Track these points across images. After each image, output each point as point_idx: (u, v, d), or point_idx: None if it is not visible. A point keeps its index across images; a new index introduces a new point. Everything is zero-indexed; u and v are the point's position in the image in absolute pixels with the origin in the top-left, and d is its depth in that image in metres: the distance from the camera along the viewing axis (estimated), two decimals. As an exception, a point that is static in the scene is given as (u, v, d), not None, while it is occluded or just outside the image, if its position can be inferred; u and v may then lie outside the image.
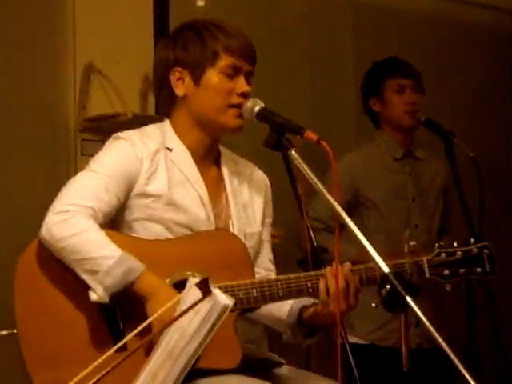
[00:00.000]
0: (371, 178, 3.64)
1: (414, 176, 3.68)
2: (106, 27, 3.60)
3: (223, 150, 2.46)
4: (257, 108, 2.30)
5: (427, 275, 2.28)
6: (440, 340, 1.82)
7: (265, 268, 2.45)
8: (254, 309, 2.30)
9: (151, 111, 3.63)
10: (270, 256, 2.48)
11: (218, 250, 2.26)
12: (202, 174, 2.35)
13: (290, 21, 4.38)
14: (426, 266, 2.29)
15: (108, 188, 2.22)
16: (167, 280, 2.19)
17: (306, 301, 2.31)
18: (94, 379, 1.53)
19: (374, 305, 2.09)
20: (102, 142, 2.36)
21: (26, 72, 3.47)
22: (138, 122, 2.58)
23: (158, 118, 2.45)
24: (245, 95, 2.32)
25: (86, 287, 2.16)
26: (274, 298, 2.22)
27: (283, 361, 2.38)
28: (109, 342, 2.15)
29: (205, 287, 1.61)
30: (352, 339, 3.51)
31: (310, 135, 2.18)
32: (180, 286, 2.13)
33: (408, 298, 1.88)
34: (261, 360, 2.36)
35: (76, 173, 2.32)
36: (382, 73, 3.68)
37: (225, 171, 2.41)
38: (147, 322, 1.67)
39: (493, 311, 3.12)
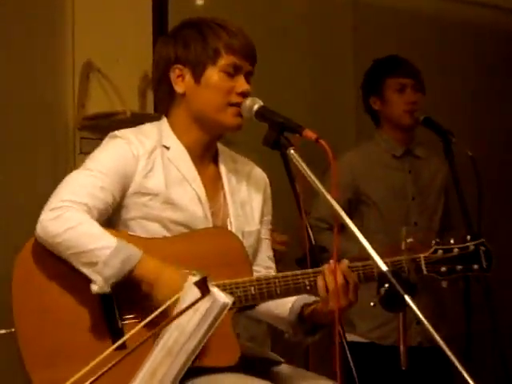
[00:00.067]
0: (371, 176, 3.64)
1: (414, 174, 3.68)
2: (104, 25, 3.60)
3: (221, 148, 2.46)
4: (256, 106, 2.30)
5: (424, 272, 2.29)
6: (438, 338, 1.82)
7: (264, 266, 2.45)
8: (252, 307, 2.30)
9: (150, 109, 3.63)
10: (270, 254, 2.48)
11: (215, 247, 2.26)
12: (200, 173, 2.35)
13: (289, 20, 4.38)
14: (423, 263, 2.29)
15: (103, 186, 2.23)
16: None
17: (308, 298, 2.32)
18: (93, 378, 1.53)
19: (372, 304, 2.09)
20: (101, 140, 2.36)
21: (25, 71, 3.47)
22: (137, 120, 2.58)
23: (156, 117, 2.45)
24: (244, 94, 2.32)
25: (84, 284, 2.16)
26: (272, 295, 2.22)
27: (282, 359, 2.38)
28: (108, 340, 2.15)
29: (204, 286, 1.61)
30: (352, 338, 3.54)
31: (309, 134, 2.18)
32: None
33: (406, 297, 1.88)
34: (259, 358, 2.36)
35: (75, 171, 2.33)
36: (382, 71, 3.69)
37: (223, 169, 2.41)
38: (145, 322, 1.67)
39: (490, 308, 3.12)
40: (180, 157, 2.34)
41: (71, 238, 2.14)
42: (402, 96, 3.61)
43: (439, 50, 4.73)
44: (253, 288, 2.20)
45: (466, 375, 1.77)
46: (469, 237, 2.34)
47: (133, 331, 1.62)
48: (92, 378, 1.51)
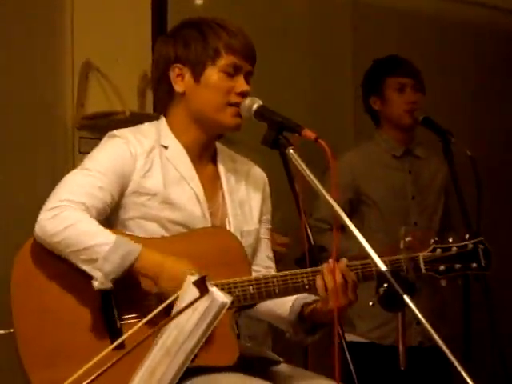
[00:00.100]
0: (371, 176, 3.64)
1: (414, 174, 3.68)
2: (104, 25, 3.61)
3: (220, 147, 2.46)
4: (255, 106, 2.30)
5: (423, 271, 2.29)
6: (437, 338, 1.82)
7: (264, 266, 2.45)
8: (251, 306, 2.30)
9: (149, 109, 3.63)
10: (269, 253, 2.48)
11: (213, 247, 2.26)
12: (198, 172, 2.35)
13: (288, 20, 4.38)
14: (421, 261, 2.29)
15: (102, 185, 2.23)
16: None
17: (308, 298, 2.32)
18: (91, 378, 1.53)
19: (371, 303, 2.09)
20: (100, 139, 2.37)
21: (24, 70, 3.47)
22: (136, 119, 2.58)
23: (155, 116, 2.45)
24: (244, 95, 2.32)
25: (83, 284, 2.16)
26: (271, 294, 2.22)
27: (281, 359, 2.38)
28: (107, 340, 2.15)
29: (202, 285, 1.61)
30: (353, 338, 3.54)
31: (308, 133, 2.18)
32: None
33: (405, 297, 1.88)
34: (258, 358, 2.36)
35: (74, 170, 2.33)
36: (382, 71, 3.69)
37: (221, 169, 2.41)
38: (143, 321, 1.67)
39: (489, 307, 3.12)
40: (178, 156, 2.34)
41: (70, 236, 2.15)
42: (401, 96, 3.61)
43: (439, 49, 4.73)
44: (251, 287, 2.20)
45: (464, 374, 1.77)
46: (467, 235, 2.34)
47: (131, 331, 1.62)
48: (89, 379, 1.51)
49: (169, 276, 2.12)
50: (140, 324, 1.64)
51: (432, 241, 2.31)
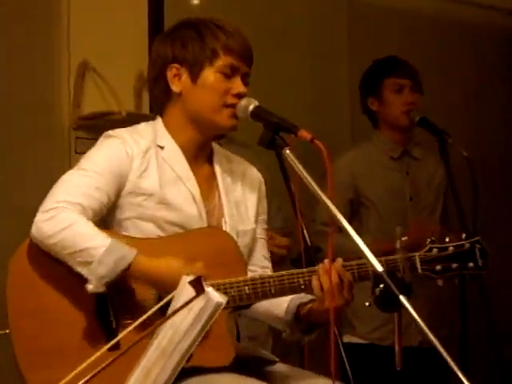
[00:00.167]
0: (370, 176, 3.65)
1: (412, 175, 3.69)
2: (100, 25, 3.61)
3: (216, 147, 2.46)
4: (251, 107, 2.30)
5: (419, 271, 2.28)
6: (432, 338, 1.82)
7: (260, 266, 2.44)
8: (247, 306, 2.30)
9: (145, 109, 3.63)
10: (265, 253, 2.48)
11: (209, 247, 2.26)
12: (194, 172, 2.35)
13: (286, 20, 4.38)
14: (418, 261, 2.29)
15: (98, 186, 2.23)
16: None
17: (304, 298, 2.32)
18: (86, 378, 1.53)
19: (367, 304, 2.09)
20: (96, 140, 2.36)
21: (20, 70, 3.47)
22: (133, 120, 2.57)
23: (152, 117, 2.45)
24: (240, 96, 2.32)
25: (79, 285, 2.15)
26: (267, 295, 2.22)
27: (276, 358, 2.38)
28: (102, 340, 2.15)
29: (198, 285, 1.61)
30: (353, 339, 3.55)
31: (304, 134, 2.18)
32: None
33: (401, 297, 1.88)
34: (254, 358, 2.36)
35: (70, 171, 2.33)
36: (380, 72, 3.69)
37: (217, 169, 2.41)
38: (140, 320, 1.67)
39: (486, 307, 3.12)
40: (174, 156, 2.34)
41: (66, 238, 2.14)
42: (399, 96, 3.61)
43: (437, 50, 4.73)
44: (247, 288, 2.20)
45: (460, 375, 1.77)
46: (464, 235, 2.34)
47: (126, 331, 1.62)
48: (84, 379, 1.50)
49: (163, 281, 2.11)
50: (136, 324, 1.64)
51: (428, 240, 2.31)
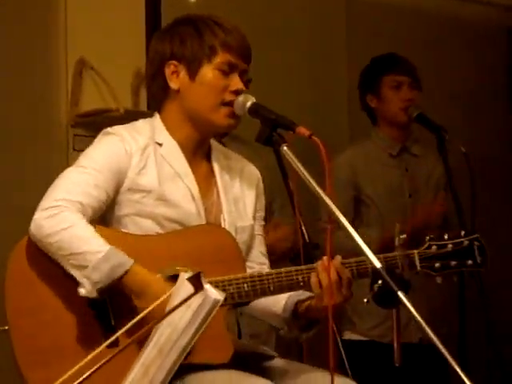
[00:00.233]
0: (370, 174, 3.65)
1: (411, 172, 3.69)
2: (97, 23, 3.61)
3: (214, 144, 2.45)
4: (249, 103, 2.29)
5: (418, 268, 2.28)
6: (431, 334, 1.82)
7: (258, 262, 2.44)
8: (245, 303, 2.29)
9: (143, 107, 3.63)
10: (263, 249, 2.47)
11: (208, 244, 2.26)
12: (193, 169, 2.35)
13: (284, 19, 4.37)
14: (417, 258, 2.29)
15: (97, 183, 2.22)
16: (158, 275, 2.18)
17: (302, 295, 2.32)
18: (85, 375, 1.53)
19: (365, 300, 2.09)
20: (94, 137, 2.36)
21: (18, 68, 3.47)
22: (130, 117, 2.57)
23: (149, 114, 2.44)
24: (238, 93, 2.32)
25: (77, 283, 2.15)
26: (266, 292, 2.22)
27: (275, 354, 2.38)
28: (101, 338, 2.14)
29: (197, 282, 1.61)
30: (353, 336, 3.55)
31: (302, 131, 2.17)
32: (171, 280, 2.12)
33: (399, 293, 1.88)
34: (252, 354, 2.35)
35: (68, 168, 2.32)
36: (379, 69, 3.69)
37: (215, 166, 2.40)
38: (138, 318, 1.66)
39: (484, 305, 3.12)
40: (172, 153, 2.33)
41: (63, 239, 2.14)
42: (398, 93, 3.61)
43: (435, 47, 4.72)
44: (246, 285, 2.20)
45: (459, 371, 1.77)
46: (463, 232, 2.34)
47: (124, 328, 1.62)
48: (83, 376, 1.50)
49: (153, 296, 2.05)
50: (135, 321, 1.64)
51: (427, 238, 2.31)
